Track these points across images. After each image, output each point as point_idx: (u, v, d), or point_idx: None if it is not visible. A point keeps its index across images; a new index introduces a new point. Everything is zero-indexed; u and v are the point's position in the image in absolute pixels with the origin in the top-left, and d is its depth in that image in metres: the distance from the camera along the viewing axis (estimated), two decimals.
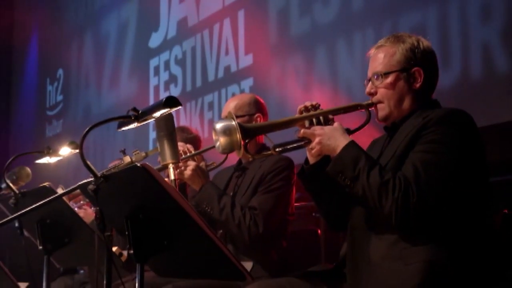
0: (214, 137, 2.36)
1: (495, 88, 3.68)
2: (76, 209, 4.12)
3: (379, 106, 2.41)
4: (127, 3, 7.23)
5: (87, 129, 2.00)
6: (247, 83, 5.37)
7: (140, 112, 2.08)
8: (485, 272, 2.20)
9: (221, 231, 3.19)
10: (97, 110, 7.51)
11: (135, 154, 2.62)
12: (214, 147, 3.05)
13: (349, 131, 2.38)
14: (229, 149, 2.33)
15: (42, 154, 3.14)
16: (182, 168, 3.08)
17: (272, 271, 3.04)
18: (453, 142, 2.19)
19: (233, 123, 2.27)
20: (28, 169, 3.46)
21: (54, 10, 8.78)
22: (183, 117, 6.04)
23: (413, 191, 2.10)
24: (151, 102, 6.52)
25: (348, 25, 4.60)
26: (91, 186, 1.95)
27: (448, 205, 2.17)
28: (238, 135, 2.26)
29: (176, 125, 5.66)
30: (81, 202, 4.19)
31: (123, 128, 2.20)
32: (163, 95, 6.37)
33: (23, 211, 2.24)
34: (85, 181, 2.03)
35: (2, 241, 4.24)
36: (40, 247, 2.76)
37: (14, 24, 9.90)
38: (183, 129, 3.99)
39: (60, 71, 8.53)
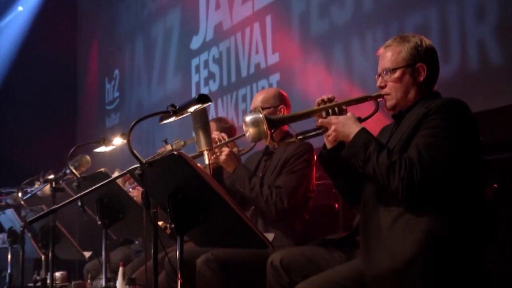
0: (244, 128, 2.39)
1: (489, 78, 3.65)
2: (131, 189, 4.20)
3: (387, 97, 2.44)
4: (172, 11, 7.26)
5: (133, 122, 2.06)
6: (275, 78, 5.38)
7: (177, 107, 2.13)
8: (477, 238, 2.22)
9: (253, 207, 3.23)
10: (148, 104, 7.58)
11: (175, 143, 2.66)
12: (244, 135, 3.12)
13: (360, 120, 2.41)
14: (257, 138, 2.37)
15: (98, 144, 3.20)
16: (218, 153, 3.13)
17: (296, 240, 3.09)
18: (451, 127, 2.21)
19: (261, 116, 2.31)
20: (88, 157, 3.53)
21: (110, 19, 8.86)
22: (220, 108, 6.07)
23: (417, 170, 2.12)
24: (193, 96, 6.51)
25: (360, 25, 4.57)
26: (137, 171, 2.00)
27: (448, 181, 2.19)
28: (264, 126, 2.30)
29: (214, 116, 5.78)
30: (135, 183, 4.26)
31: (164, 121, 2.25)
32: (203, 90, 6.42)
33: (84, 192, 2.30)
34: (133, 166, 2.07)
35: (70, 217, 4.32)
36: (99, 222, 2.82)
37: (78, 32, 10.02)
38: (220, 119, 4.03)
39: (116, 71, 8.61)
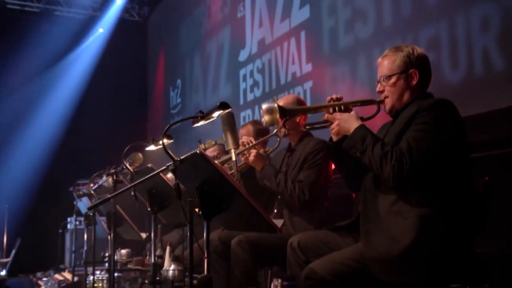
0: (262, 114, 2.42)
1: (493, 82, 3.58)
2: None
3: (386, 101, 2.42)
4: (223, 30, 7.34)
5: (167, 126, 2.12)
6: (308, 85, 5.39)
7: (204, 113, 2.17)
8: (465, 223, 2.18)
9: (279, 197, 3.26)
10: (204, 108, 7.54)
11: (207, 142, 2.70)
12: (267, 139, 3.16)
13: (363, 119, 2.40)
14: (270, 123, 2.40)
15: (148, 144, 3.29)
16: (247, 155, 3.17)
17: (317, 225, 3.08)
18: (438, 123, 2.20)
19: (275, 105, 2.33)
20: (140, 155, 3.62)
21: (174, 37, 9.01)
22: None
23: (406, 160, 2.12)
24: (241, 101, 6.64)
25: (381, 38, 4.53)
26: (171, 167, 2.06)
27: (435, 171, 2.17)
28: (277, 114, 2.32)
29: (252, 119, 5.80)
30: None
31: (196, 125, 2.31)
32: (249, 96, 6.49)
33: (133, 183, 2.39)
34: (170, 163, 2.14)
35: (133, 204, 4.45)
36: (149, 209, 2.90)
37: (147, 48, 10.26)
38: (256, 122, 4.04)
39: (179, 81, 8.76)
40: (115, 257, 4.50)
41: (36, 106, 8.58)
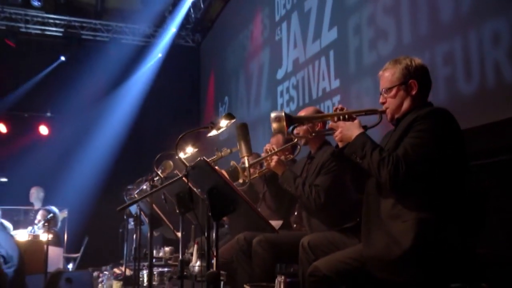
0: (271, 122, 2.37)
1: (504, 93, 3.39)
2: None
3: (387, 111, 2.33)
4: (263, 51, 7.36)
5: (180, 136, 2.11)
6: (336, 99, 5.30)
7: (213, 123, 2.16)
8: (465, 226, 2.06)
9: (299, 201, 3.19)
10: (248, 121, 7.64)
11: (223, 151, 2.68)
12: (288, 147, 3.10)
13: (366, 128, 2.33)
14: (278, 131, 2.35)
15: (174, 153, 3.29)
16: (269, 161, 3.13)
17: (332, 227, 2.99)
18: (434, 130, 2.10)
19: (282, 114, 2.29)
20: (171, 162, 3.63)
21: (222, 58, 9.11)
22: None
23: (402, 164, 2.03)
24: None
25: (401, 55, 4.36)
26: (184, 172, 2.05)
27: (432, 175, 2.06)
28: (284, 122, 2.27)
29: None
30: (247, 180, 4.30)
31: (209, 134, 2.29)
32: (285, 110, 6.41)
33: (156, 189, 2.39)
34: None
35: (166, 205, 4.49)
36: (177, 211, 2.90)
37: (200, 70, 10.41)
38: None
39: (226, 98, 8.82)
40: (160, 254, 4.55)
41: (101, 121, 8.85)
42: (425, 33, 4.16)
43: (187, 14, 9.52)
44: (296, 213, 3.19)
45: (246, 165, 2.59)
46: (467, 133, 3.68)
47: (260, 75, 7.44)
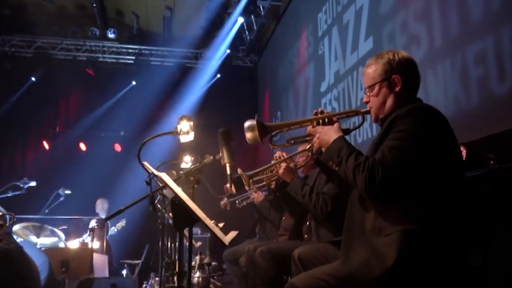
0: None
1: None
2: (253, 192, 4.02)
3: (371, 111, 1.97)
4: (308, 67, 7.08)
5: (142, 143, 1.94)
6: None
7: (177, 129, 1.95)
8: (456, 238, 1.64)
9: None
10: (298, 133, 7.41)
11: (206, 158, 2.44)
12: (297, 154, 2.80)
13: (347, 131, 2.01)
14: (253, 140, 2.05)
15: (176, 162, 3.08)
16: (278, 168, 2.85)
17: (337, 235, 2.65)
18: (414, 130, 1.71)
19: (254, 122, 2.00)
20: (174, 171, 3.40)
21: (276, 76, 8.95)
22: None
23: (378, 170, 1.67)
24: None
25: (433, 59, 3.95)
26: (147, 179, 1.85)
27: (413, 181, 1.67)
28: (257, 131, 1.99)
29: None
30: (254, 188, 4.07)
31: (183, 141, 2.09)
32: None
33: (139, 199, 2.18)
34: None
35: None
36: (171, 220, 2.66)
37: (257, 88, 10.29)
38: None
39: (279, 113, 8.60)
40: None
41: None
42: (456, 35, 3.70)
43: (242, 36, 9.45)
44: (307, 223, 2.85)
45: (228, 172, 2.32)
46: (501, 136, 3.18)
47: (306, 89, 7.15)
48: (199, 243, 4.09)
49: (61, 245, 4.80)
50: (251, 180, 2.75)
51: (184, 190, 2.22)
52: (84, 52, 9.48)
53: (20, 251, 2.76)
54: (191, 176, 2.15)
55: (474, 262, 1.74)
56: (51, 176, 7.05)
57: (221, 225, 2.49)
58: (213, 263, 3.44)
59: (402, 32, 4.47)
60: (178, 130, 2.05)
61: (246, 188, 2.77)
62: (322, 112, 2.05)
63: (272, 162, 2.84)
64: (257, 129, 2.00)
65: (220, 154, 2.28)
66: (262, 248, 2.67)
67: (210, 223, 1.67)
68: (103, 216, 6.26)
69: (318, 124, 2.01)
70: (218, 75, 9.71)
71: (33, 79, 8.90)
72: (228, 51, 9.26)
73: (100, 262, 4.36)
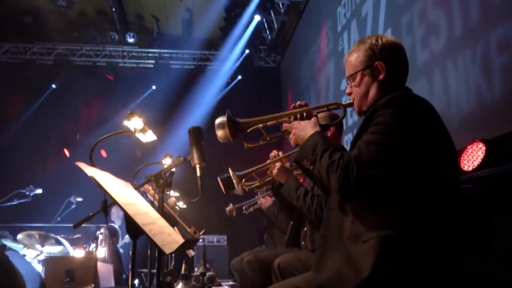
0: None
1: None
2: (261, 197, 3.90)
3: (354, 103, 1.80)
4: (329, 64, 6.93)
5: (93, 144, 1.84)
6: None
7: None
8: (438, 245, 1.45)
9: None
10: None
11: (177, 158, 2.31)
12: (294, 153, 2.64)
13: (326, 126, 1.87)
14: (224, 139, 1.91)
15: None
16: (272, 168, 2.69)
17: None
18: (394, 122, 1.55)
19: (225, 119, 1.87)
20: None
21: (298, 75, 8.81)
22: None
23: (353, 168, 1.51)
24: (344, 126, 6.04)
25: (453, 49, 3.71)
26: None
27: (393, 179, 1.50)
28: (227, 129, 1.86)
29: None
30: (264, 193, 3.93)
31: (145, 140, 1.99)
32: (349, 121, 5.88)
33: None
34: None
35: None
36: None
37: (280, 87, 10.15)
38: None
39: None
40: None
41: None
42: (477, 20, 3.46)
43: (262, 36, 9.34)
44: (305, 229, 2.68)
45: (198, 174, 2.19)
46: None
47: (327, 87, 6.97)
48: (194, 252, 3.98)
49: (66, 253, 4.82)
50: (243, 181, 2.61)
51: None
52: (103, 57, 9.64)
53: (6, 260, 2.75)
54: (160, 179, 2.05)
55: (472, 271, 1.54)
56: (66, 184, 7.15)
57: (201, 232, 2.37)
58: (209, 273, 3.30)
59: (420, 21, 4.24)
60: (132, 128, 1.94)
61: (238, 189, 2.63)
62: (300, 106, 1.89)
63: (267, 161, 2.69)
64: (227, 126, 1.85)
65: (190, 155, 2.15)
66: (250, 257, 2.55)
67: (150, 229, 1.55)
68: (118, 224, 6.27)
69: (295, 119, 1.87)
70: (239, 77, 9.64)
71: (53, 86, 9.11)
72: (247, 51, 9.17)
73: (105, 271, 4.34)
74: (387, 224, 1.48)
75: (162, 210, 2.01)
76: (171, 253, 1.60)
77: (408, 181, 1.51)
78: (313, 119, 1.83)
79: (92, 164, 1.82)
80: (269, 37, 9.46)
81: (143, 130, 1.96)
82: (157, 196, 2.06)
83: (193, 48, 9.79)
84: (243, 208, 4.19)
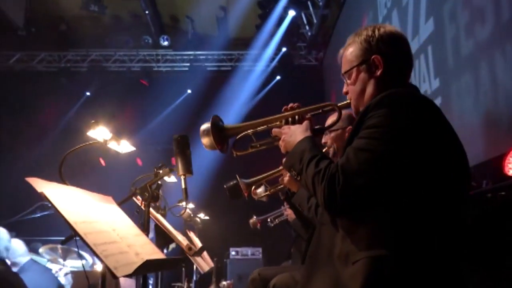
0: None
1: None
2: (287, 208, 3.74)
3: (351, 103, 1.63)
4: None
5: (66, 153, 1.77)
6: (438, 102, 4.36)
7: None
8: (435, 269, 1.25)
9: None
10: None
11: (163, 170, 2.20)
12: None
13: (320, 130, 1.78)
14: (210, 146, 1.78)
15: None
16: (284, 175, 2.53)
17: None
18: (386, 125, 1.37)
19: (209, 125, 1.74)
20: None
21: (340, 74, 8.48)
22: None
23: (339, 178, 1.35)
24: None
25: (500, 37, 3.39)
26: None
27: (385, 190, 1.32)
28: (211, 136, 1.72)
29: None
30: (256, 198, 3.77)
31: (124, 151, 1.89)
32: None
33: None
34: None
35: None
36: None
37: (324, 86, 9.88)
38: None
39: None
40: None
41: None
42: None
43: (301, 32, 9.14)
44: None
45: (183, 186, 2.06)
46: None
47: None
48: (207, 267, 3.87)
49: (89, 268, 4.86)
50: (252, 189, 2.47)
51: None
52: (137, 62, 9.79)
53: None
54: (145, 192, 1.96)
55: None
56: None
57: (196, 250, 2.26)
58: None
59: (464, 7, 3.93)
60: (101, 139, 1.86)
61: (258, 195, 2.49)
62: (293, 108, 1.75)
63: (278, 169, 2.53)
64: (211, 133, 1.72)
65: (175, 165, 2.04)
66: (255, 275, 2.44)
67: (104, 249, 1.44)
68: (151, 236, 6.30)
69: (287, 123, 1.71)
70: (278, 77, 9.49)
71: (87, 93, 9.36)
72: (284, 49, 9.01)
73: (128, 286, 4.32)
74: (378, 242, 1.31)
75: (147, 224, 1.93)
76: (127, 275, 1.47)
77: (402, 193, 1.32)
78: (305, 122, 1.69)
79: (61, 177, 1.75)
80: (309, 33, 9.25)
81: (114, 140, 1.86)
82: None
83: (228, 48, 9.76)
84: (268, 220, 4.03)
